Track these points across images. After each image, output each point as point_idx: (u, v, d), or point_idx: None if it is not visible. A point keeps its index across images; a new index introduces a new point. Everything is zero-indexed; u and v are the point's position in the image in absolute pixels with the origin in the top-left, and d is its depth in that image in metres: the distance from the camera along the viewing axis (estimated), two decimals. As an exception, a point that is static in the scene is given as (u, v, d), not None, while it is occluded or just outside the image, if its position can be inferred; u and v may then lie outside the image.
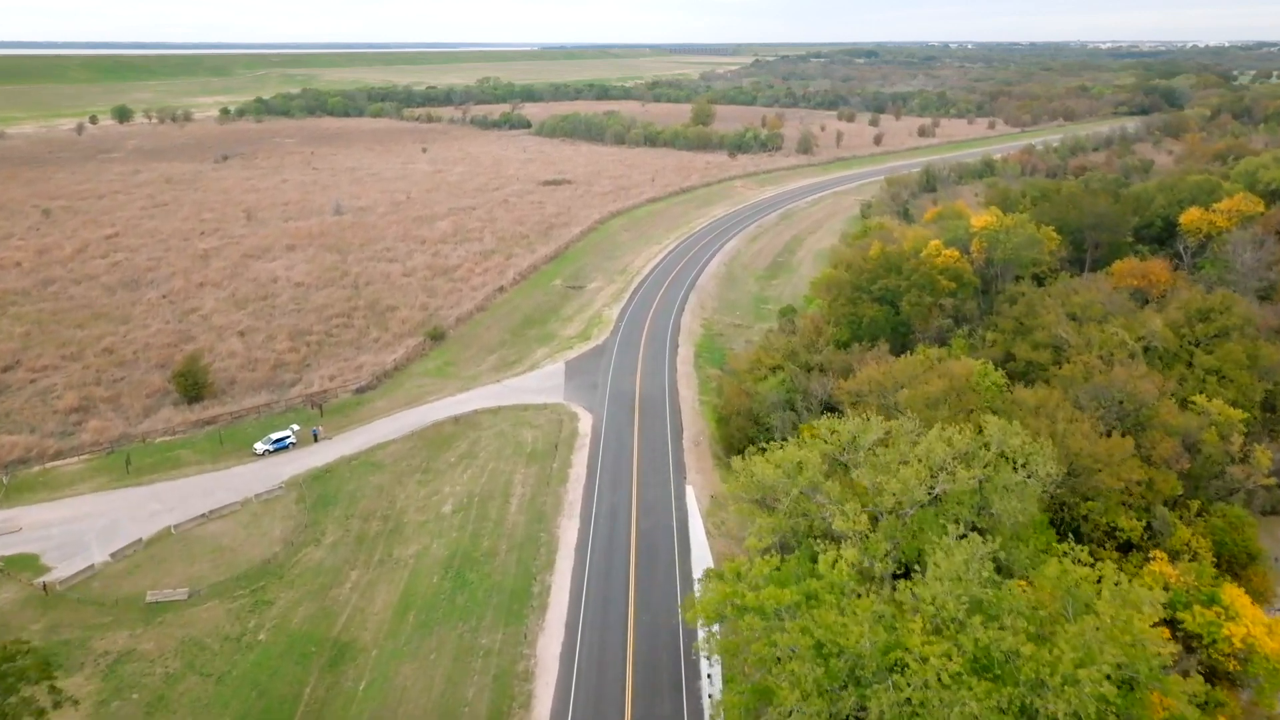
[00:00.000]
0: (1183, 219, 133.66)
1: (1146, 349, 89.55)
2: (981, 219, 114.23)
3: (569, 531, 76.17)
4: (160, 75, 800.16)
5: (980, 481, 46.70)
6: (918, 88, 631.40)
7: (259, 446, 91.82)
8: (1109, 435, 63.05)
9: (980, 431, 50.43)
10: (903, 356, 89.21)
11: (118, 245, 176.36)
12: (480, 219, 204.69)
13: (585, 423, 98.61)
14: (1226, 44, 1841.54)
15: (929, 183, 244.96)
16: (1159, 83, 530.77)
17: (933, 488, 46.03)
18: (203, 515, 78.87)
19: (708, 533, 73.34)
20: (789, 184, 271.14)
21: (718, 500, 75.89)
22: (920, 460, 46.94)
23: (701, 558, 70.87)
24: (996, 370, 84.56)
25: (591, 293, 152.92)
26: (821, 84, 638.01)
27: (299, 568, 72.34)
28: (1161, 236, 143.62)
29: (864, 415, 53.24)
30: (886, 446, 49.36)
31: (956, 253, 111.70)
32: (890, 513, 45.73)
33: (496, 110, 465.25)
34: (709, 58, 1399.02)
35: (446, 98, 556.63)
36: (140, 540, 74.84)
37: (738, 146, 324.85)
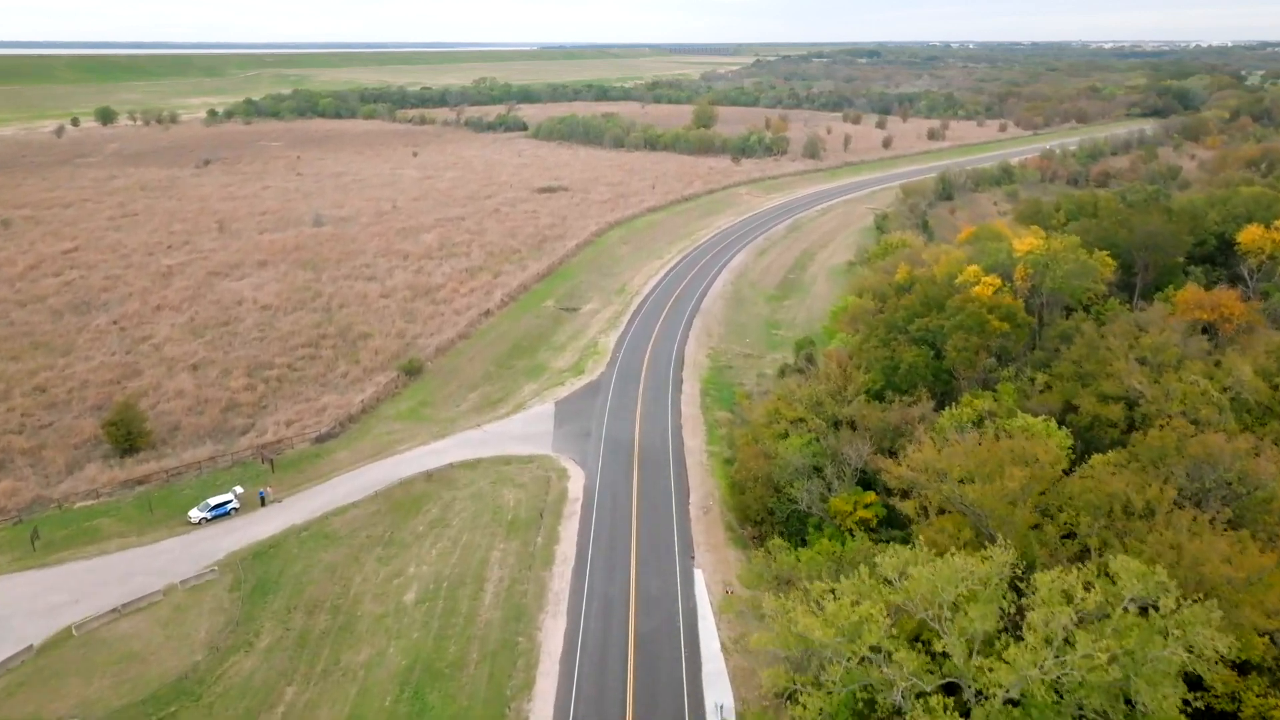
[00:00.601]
0: (1241, 237, 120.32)
1: (1233, 400, 76.56)
2: (1025, 242, 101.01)
3: (553, 635, 62.89)
4: (151, 75, 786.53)
5: (1117, 656, 33.70)
6: (923, 88, 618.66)
7: (194, 514, 78.58)
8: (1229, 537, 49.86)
9: (1111, 579, 37.32)
10: (947, 410, 76.08)
11: (75, 261, 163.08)
12: (469, 231, 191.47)
13: (576, 481, 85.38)
14: (1230, 44, 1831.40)
15: (945, 190, 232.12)
16: (1171, 83, 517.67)
17: (1051, 670, 33.06)
18: (114, 610, 65.64)
19: (724, 646, 59.98)
20: (796, 191, 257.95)
21: (733, 599, 62.82)
22: (1034, 630, 34.05)
23: (715, 676, 57.63)
24: (1061, 428, 71.63)
25: (587, 316, 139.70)
26: (825, 85, 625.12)
27: (222, 684, 59.07)
28: (1214, 256, 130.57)
29: (937, 548, 40.10)
30: (976, 600, 36.31)
31: (998, 280, 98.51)
32: (992, 702, 32.87)
33: (492, 112, 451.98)
34: (709, 58, 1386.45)
35: (441, 99, 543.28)
36: (31, 648, 61.63)
37: (741, 150, 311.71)
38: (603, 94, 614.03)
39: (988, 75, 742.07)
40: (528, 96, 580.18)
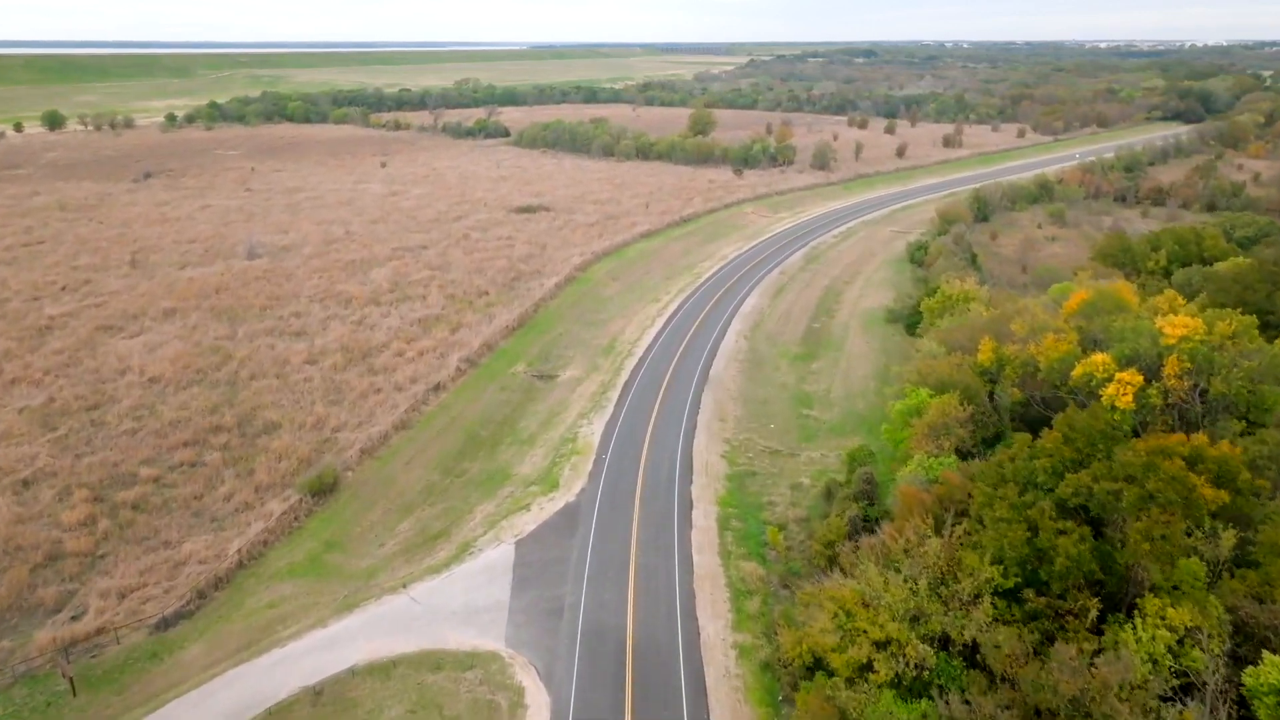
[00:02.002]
0: None
1: None
2: (1177, 323, 71.69)
3: None
4: (114, 76, 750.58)
5: None
6: (927, 89, 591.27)
7: (-87, 805, 48.76)
8: None
9: None
10: (1130, 633, 47.14)
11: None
12: (430, 265, 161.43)
13: (537, 713, 55.72)
14: (1225, 43, 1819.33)
15: (980, 209, 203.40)
16: (1191, 85, 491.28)
17: None
18: None
19: None
20: (808, 209, 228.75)
21: None
22: None
23: None
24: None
25: (566, 387, 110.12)
26: (826, 86, 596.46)
27: None
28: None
29: None
30: None
31: (1137, 377, 69.36)
32: None
33: (473, 116, 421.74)
34: (702, 57, 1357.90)
35: (421, 101, 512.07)
36: None
37: (744, 161, 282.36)
38: (592, 96, 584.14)
39: (992, 76, 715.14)
40: (512, 99, 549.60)
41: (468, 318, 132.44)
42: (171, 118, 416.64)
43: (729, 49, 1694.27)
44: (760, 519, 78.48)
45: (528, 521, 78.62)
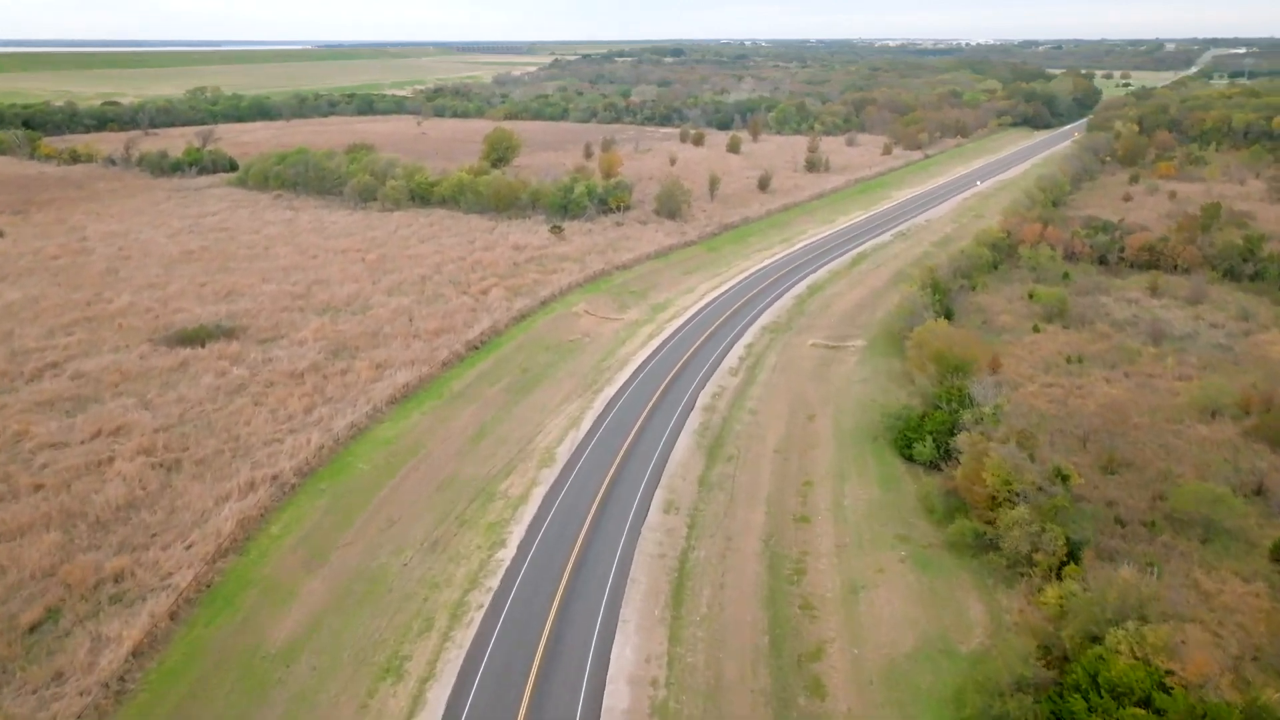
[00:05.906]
0: None
1: None
2: None
3: None
4: None
5: None
6: (752, 91, 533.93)
7: None
8: None
9: None
10: None
11: None
12: None
13: None
14: (995, 41, 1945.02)
15: (936, 298, 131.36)
16: (1034, 88, 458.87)
17: None
18: None
19: None
20: (668, 298, 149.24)
21: None
22: None
23: None
24: None
25: None
26: (645, 91, 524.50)
27: None
28: None
29: None
30: None
31: None
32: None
33: (197, 140, 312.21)
34: (502, 57, 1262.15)
35: (132, 119, 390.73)
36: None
37: (563, 208, 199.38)
38: (368, 106, 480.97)
39: (813, 77, 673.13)
40: (264, 111, 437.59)
41: None
42: None
43: (530, 48, 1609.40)
44: None
45: None
